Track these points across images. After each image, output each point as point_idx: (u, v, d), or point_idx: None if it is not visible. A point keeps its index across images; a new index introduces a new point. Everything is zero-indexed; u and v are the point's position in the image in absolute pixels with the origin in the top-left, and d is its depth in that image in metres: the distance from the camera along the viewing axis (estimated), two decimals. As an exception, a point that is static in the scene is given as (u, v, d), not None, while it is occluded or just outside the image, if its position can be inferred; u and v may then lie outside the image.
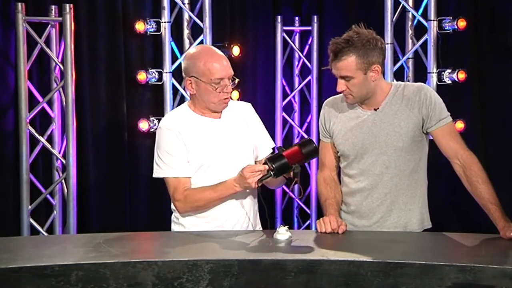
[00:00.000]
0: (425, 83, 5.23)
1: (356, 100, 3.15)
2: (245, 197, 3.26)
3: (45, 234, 5.03)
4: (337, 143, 3.24)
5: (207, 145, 3.22)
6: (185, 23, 5.33)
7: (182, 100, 5.36)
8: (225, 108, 3.26)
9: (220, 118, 3.28)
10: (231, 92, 3.24)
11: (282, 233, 2.92)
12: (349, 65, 3.05)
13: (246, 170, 3.06)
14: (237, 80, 3.23)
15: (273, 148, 3.39)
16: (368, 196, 3.18)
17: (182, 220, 3.29)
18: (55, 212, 5.13)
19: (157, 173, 3.27)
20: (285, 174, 3.04)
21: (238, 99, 5.23)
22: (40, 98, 5.02)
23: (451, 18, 5.22)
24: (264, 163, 3.03)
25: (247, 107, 3.41)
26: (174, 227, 3.34)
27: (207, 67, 3.16)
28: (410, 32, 5.41)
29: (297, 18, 5.75)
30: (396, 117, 3.13)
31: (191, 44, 5.27)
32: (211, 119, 3.26)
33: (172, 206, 3.33)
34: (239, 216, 3.26)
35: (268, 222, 3.24)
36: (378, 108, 3.17)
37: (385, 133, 3.14)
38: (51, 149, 5.04)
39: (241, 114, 3.35)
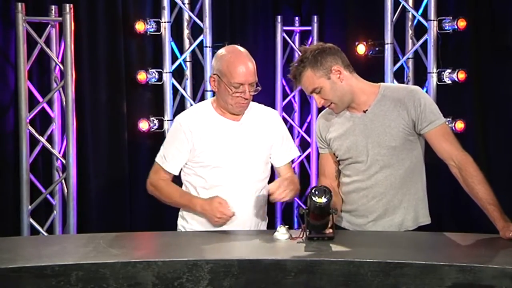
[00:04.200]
0: (425, 83, 5.28)
1: (339, 106, 3.19)
2: (250, 202, 3.28)
3: (45, 234, 5.02)
4: (334, 149, 3.28)
5: (217, 146, 3.25)
6: (185, 23, 5.33)
7: (182, 100, 5.36)
8: (242, 112, 3.28)
9: (238, 121, 3.29)
10: (250, 98, 3.24)
11: (282, 233, 2.92)
12: (308, 78, 3.13)
13: (220, 208, 3.14)
14: (259, 88, 3.25)
15: (292, 161, 3.44)
16: (364, 196, 3.20)
17: (187, 215, 3.34)
18: (55, 212, 5.13)
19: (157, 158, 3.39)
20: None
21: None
22: (40, 98, 5.02)
23: (451, 18, 5.21)
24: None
25: (273, 114, 3.43)
26: (179, 220, 3.40)
27: (229, 70, 3.19)
28: (410, 32, 5.40)
29: (297, 18, 5.75)
30: (386, 118, 3.16)
31: (191, 44, 5.28)
32: (228, 120, 3.29)
33: None
34: (241, 218, 3.26)
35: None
36: (367, 110, 3.19)
37: (376, 133, 3.16)
38: (51, 149, 5.04)
39: (264, 120, 3.36)
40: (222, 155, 3.24)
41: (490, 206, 2.98)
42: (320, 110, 3.41)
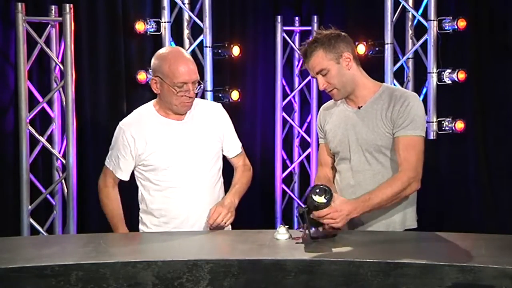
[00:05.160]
0: (425, 83, 5.28)
1: (342, 93, 3.21)
2: (205, 198, 3.31)
3: (45, 234, 5.03)
4: (328, 141, 3.32)
5: (164, 148, 3.27)
6: (185, 23, 5.33)
7: (182, 100, 5.36)
8: (187, 110, 3.30)
9: (182, 120, 3.32)
10: (194, 97, 3.28)
11: (282, 233, 2.92)
12: (319, 58, 3.16)
13: None
14: (201, 85, 3.32)
15: (237, 155, 3.45)
16: (353, 194, 3.19)
17: (145, 220, 3.38)
18: (55, 212, 5.13)
19: (106, 161, 3.43)
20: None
21: (238, 99, 5.24)
22: (40, 98, 5.02)
23: (451, 18, 5.22)
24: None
25: (217, 108, 3.45)
26: (140, 225, 3.43)
27: (171, 70, 3.21)
28: (410, 32, 5.41)
29: (297, 18, 5.75)
30: (375, 117, 3.18)
31: (191, 44, 5.28)
32: (172, 121, 3.31)
33: (141, 205, 3.41)
34: (199, 216, 3.30)
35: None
36: (361, 106, 3.22)
37: (365, 131, 3.19)
38: (51, 149, 5.04)
39: (209, 115, 3.38)
40: (170, 156, 3.27)
41: (367, 195, 3.04)
42: (319, 110, 3.44)
